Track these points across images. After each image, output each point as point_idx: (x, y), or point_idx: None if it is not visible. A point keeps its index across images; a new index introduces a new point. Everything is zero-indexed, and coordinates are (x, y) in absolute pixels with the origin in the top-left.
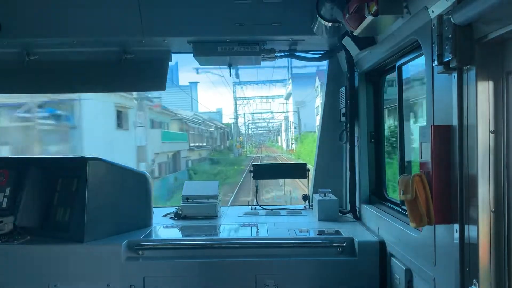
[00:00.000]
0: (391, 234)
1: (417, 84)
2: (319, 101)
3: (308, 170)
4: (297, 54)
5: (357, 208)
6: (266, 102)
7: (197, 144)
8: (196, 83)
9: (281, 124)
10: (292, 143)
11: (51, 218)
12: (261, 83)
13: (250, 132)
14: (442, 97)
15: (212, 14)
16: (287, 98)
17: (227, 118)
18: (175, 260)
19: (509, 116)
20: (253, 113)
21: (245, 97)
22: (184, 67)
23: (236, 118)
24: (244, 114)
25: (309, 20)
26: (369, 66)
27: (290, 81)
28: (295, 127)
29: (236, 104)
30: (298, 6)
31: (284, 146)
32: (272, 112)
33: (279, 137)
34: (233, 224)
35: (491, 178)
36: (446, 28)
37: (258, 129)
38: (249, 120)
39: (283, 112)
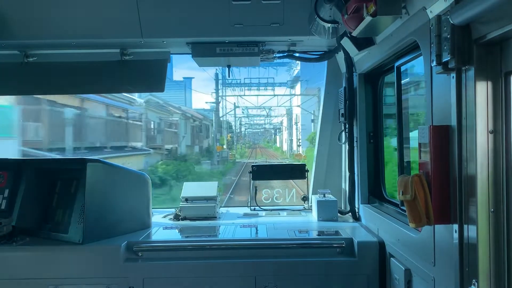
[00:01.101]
0: (391, 234)
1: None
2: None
3: (307, 171)
4: (296, 55)
5: (356, 209)
6: (265, 89)
7: (105, 146)
8: (190, 78)
9: (281, 120)
10: (299, 145)
11: (50, 220)
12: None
13: (243, 130)
14: (441, 97)
15: (210, 15)
16: (293, 85)
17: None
18: (174, 261)
19: (508, 116)
20: (244, 95)
21: (236, 82)
22: (180, 62)
23: (217, 102)
24: (235, 104)
25: (308, 21)
26: (367, 66)
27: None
28: (313, 119)
29: (217, 81)
30: (297, 7)
31: (285, 148)
32: (274, 95)
33: (277, 136)
34: (232, 225)
35: (490, 178)
36: (445, 29)
37: (253, 126)
38: (238, 105)
39: (291, 95)
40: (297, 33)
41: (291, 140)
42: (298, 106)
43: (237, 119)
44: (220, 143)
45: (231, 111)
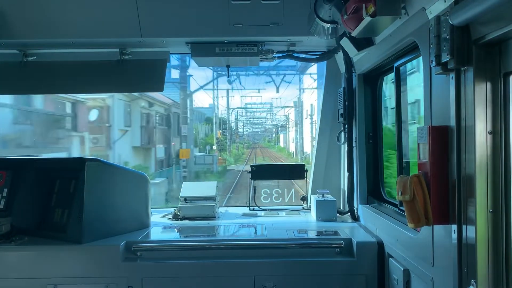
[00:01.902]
0: (389, 234)
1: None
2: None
3: (306, 171)
4: (295, 55)
5: (355, 209)
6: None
7: None
8: (189, 76)
9: (287, 115)
10: (314, 145)
11: (49, 219)
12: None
13: (240, 125)
14: (440, 98)
15: (210, 15)
16: (303, 70)
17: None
18: (173, 261)
19: (507, 116)
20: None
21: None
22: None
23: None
24: (228, 91)
25: (307, 21)
26: (367, 67)
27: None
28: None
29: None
30: (296, 7)
31: (292, 149)
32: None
33: (281, 134)
34: (231, 225)
35: (488, 178)
36: (444, 29)
37: (250, 121)
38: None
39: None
40: (296, 33)
41: (303, 139)
42: (298, 103)
43: (230, 111)
44: (208, 143)
45: (215, 78)
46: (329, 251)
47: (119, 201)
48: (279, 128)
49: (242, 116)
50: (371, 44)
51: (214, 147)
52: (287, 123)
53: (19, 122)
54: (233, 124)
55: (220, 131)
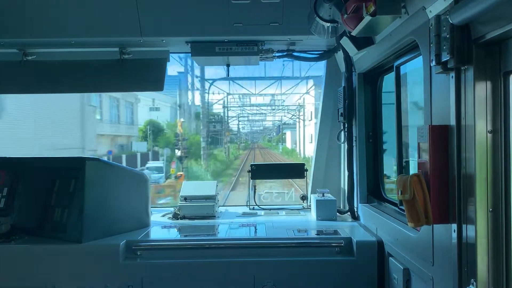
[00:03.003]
0: (389, 234)
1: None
2: None
3: (306, 170)
4: (295, 54)
5: (355, 208)
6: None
7: None
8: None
9: (299, 108)
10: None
11: (48, 219)
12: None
13: (239, 124)
14: (440, 97)
15: (210, 14)
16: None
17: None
18: (173, 260)
19: (507, 115)
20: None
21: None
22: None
23: None
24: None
25: (307, 20)
26: (367, 66)
27: None
28: None
29: None
30: (296, 6)
31: (309, 152)
32: None
33: (288, 132)
34: (231, 224)
35: (488, 177)
36: (444, 28)
37: (250, 118)
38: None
39: None
40: (296, 33)
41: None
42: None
43: (209, 84)
44: (170, 143)
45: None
46: (329, 250)
47: (119, 200)
48: (281, 126)
49: (234, 99)
50: (371, 43)
51: (179, 152)
52: (302, 112)
53: None
54: (217, 110)
55: (182, 120)
